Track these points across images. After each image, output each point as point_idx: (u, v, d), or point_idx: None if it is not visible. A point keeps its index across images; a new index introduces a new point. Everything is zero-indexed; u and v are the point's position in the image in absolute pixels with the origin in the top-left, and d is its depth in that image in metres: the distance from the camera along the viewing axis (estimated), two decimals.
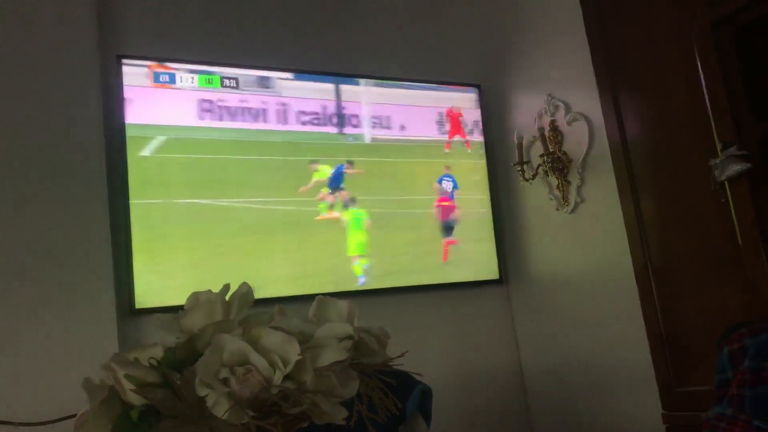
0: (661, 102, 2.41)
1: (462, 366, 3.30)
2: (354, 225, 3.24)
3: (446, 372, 3.22)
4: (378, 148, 3.42)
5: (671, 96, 2.37)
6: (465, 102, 3.68)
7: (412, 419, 1.77)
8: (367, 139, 3.42)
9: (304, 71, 3.28)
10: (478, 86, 3.65)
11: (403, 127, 3.51)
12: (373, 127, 3.45)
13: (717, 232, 2.20)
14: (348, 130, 3.37)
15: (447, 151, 3.58)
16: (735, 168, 2.10)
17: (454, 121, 3.65)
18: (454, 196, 3.55)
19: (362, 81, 3.43)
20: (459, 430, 3.18)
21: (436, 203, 3.52)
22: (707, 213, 2.24)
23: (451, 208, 3.56)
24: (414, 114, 3.55)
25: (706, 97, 2.20)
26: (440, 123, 3.60)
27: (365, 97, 3.45)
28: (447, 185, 3.56)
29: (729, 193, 2.14)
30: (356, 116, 3.40)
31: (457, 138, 3.63)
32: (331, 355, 0.84)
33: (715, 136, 2.17)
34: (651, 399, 2.47)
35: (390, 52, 3.55)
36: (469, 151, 3.63)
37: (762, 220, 2.07)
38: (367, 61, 3.47)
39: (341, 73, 3.35)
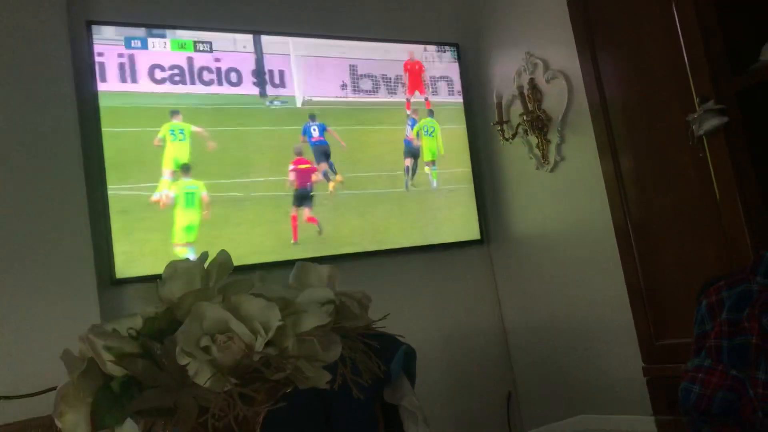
0: (639, 58, 2.40)
1: (445, 326, 3.33)
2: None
3: (430, 333, 3.25)
4: (315, 113, 3.18)
5: (649, 52, 2.36)
6: (431, 58, 3.54)
7: (396, 380, 1.78)
8: (298, 103, 3.18)
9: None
10: (456, 45, 3.62)
11: (344, 86, 3.28)
12: (306, 87, 3.16)
13: (695, 187, 2.22)
14: (271, 91, 3.11)
15: (408, 112, 3.42)
16: (712, 122, 2.10)
17: (413, 75, 3.45)
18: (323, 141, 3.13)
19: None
20: (443, 389, 3.23)
21: (291, 166, 3.06)
22: (685, 168, 2.25)
23: (310, 172, 3.12)
24: (366, 69, 3.35)
25: (684, 52, 2.19)
26: (394, 82, 3.40)
27: (295, 51, 3.18)
28: (313, 132, 3.14)
29: (707, 148, 2.14)
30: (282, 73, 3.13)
31: (416, 97, 3.45)
32: (312, 320, 0.83)
33: (693, 91, 2.17)
34: (631, 353, 2.51)
35: (357, 8, 3.47)
36: (429, 109, 3.47)
37: (739, 173, 2.08)
38: (336, 17, 3.39)
39: (290, 32, 3.21)
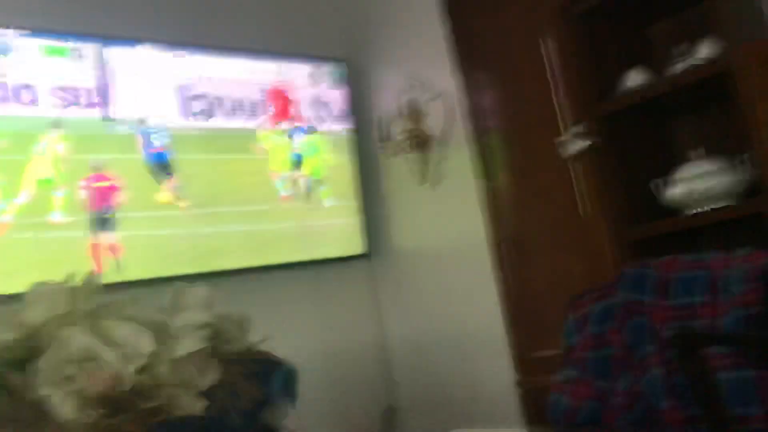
0: (514, 81, 2.51)
1: (328, 343, 3.32)
2: None
3: (313, 351, 3.22)
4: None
5: (523, 76, 2.47)
6: (299, 77, 3.41)
7: (277, 403, 1.75)
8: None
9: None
10: (341, 60, 3.63)
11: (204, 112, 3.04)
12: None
13: (565, 205, 2.34)
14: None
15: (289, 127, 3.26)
16: (579, 145, 2.23)
17: (281, 102, 3.28)
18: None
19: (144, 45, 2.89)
20: (325, 407, 3.20)
21: (82, 182, 2.62)
22: (556, 187, 2.37)
23: (110, 191, 2.69)
24: (225, 90, 3.13)
25: (555, 78, 2.32)
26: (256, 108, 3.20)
27: (147, 66, 2.90)
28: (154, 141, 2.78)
29: (574, 169, 2.27)
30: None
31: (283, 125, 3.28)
32: (188, 345, 0.81)
33: (562, 115, 2.30)
34: (507, 365, 2.60)
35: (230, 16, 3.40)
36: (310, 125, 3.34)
37: (604, 193, 2.22)
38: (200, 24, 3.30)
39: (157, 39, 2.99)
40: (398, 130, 3.32)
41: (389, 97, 3.42)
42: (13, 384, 0.73)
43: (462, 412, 3.10)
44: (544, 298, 2.41)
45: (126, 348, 0.76)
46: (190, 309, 0.88)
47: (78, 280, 0.90)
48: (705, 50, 2.08)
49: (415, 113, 3.28)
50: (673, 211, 2.17)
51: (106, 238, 2.65)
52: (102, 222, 2.64)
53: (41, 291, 0.86)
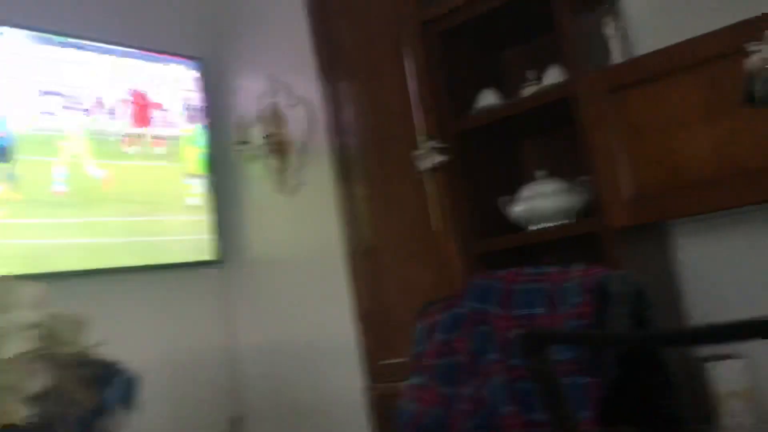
0: (374, 93, 2.55)
1: (175, 350, 3.19)
2: None
3: (158, 357, 3.09)
4: None
5: (383, 88, 2.52)
6: (158, 77, 3.32)
7: (113, 411, 1.65)
8: None
9: None
10: (199, 59, 3.52)
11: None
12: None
13: (418, 217, 2.40)
14: None
15: (128, 150, 3.12)
16: (434, 159, 2.30)
17: (140, 108, 3.19)
18: None
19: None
20: (169, 417, 3.07)
21: None
22: (410, 199, 2.43)
23: None
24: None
25: (413, 93, 2.38)
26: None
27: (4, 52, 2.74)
28: None
29: (428, 182, 2.34)
30: None
31: (143, 131, 3.18)
32: (14, 346, 0.74)
33: (419, 129, 2.36)
34: (355, 373, 2.62)
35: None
36: (159, 150, 3.23)
37: (454, 206, 2.30)
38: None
39: None
40: (257, 134, 3.27)
41: (249, 100, 3.37)
42: None
43: (311, 421, 3.09)
44: (396, 307, 2.46)
45: None
46: (18, 307, 0.81)
47: None
48: (553, 76, 2.22)
49: (275, 118, 3.25)
50: (517, 227, 2.29)
51: None
52: None
53: None
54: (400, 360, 2.31)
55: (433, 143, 2.31)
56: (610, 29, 2.12)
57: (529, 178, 2.36)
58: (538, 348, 0.78)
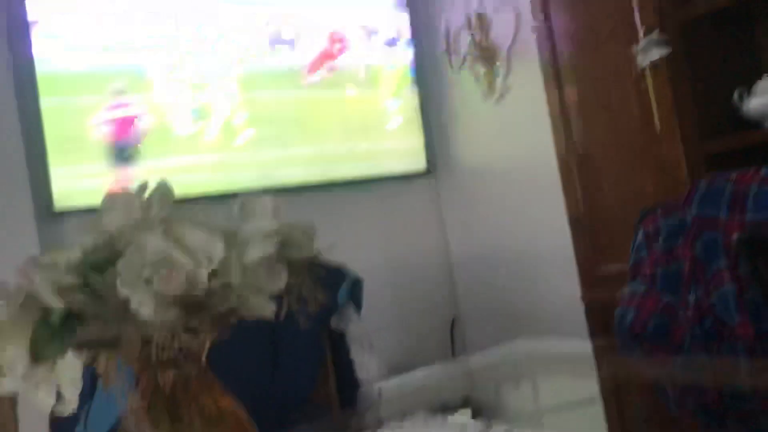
0: None
1: (392, 256, 3.37)
2: None
3: (377, 263, 3.28)
4: None
5: None
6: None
7: (343, 309, 1.81)
8: None
9: None
10: None
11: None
12: None
13: (637, 118, 2.26)
14: None
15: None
16: (656, 53, 2.12)
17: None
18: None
19: None
20: (390, 317, 3.29)
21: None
22: (629, 99, 2.28)
23: (127, 123, 2.55)
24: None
25: None
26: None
27: None
28: None
29: (650, 79, 2.17)
30: None
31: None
32: (256, 251, 0.83)
33: (638, 21, 2.18)
34: (572, 279, 2.59)
35: None
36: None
37: (679, 105, 2.12)
38: None
39: None
40: (464, 41, 3.23)
41: (456, 8, 3.31)
42: (97, 286, 0.77)
43: (526, 324, 3.13)
44: (613, 213, 2.37)
45: (199, 253, 0.79)
46: (258, 217, 0.90)
47: (150, 189, 0.92)
48: None
49: (482, 24, 3.18)
50: (753, 123, 2.06)
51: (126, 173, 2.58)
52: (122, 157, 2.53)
53: (116, 198, 0.89)
54: (618, 267, 2.24)
55: (653, 36, 2.13)
56: None
57: (766, 70, 2.10)
58: (761, 250, 0.71)
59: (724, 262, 1.47)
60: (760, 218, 1.47)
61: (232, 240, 0.85)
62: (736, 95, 2.10)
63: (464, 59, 3.22)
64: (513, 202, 3.17)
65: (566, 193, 2.52)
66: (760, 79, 2.05)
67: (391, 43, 3.48)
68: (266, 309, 0.83)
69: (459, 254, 3.53)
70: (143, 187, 0.90)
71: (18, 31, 2.57)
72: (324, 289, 1.01)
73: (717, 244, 1.53)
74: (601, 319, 2.34)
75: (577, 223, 2.49)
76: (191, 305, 0.79)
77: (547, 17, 2.52)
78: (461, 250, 3.51)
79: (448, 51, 3.21)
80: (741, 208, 1.49)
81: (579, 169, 2.48)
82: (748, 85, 2.08)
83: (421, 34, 3.54)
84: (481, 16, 3.17)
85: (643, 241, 1.64)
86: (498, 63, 3.15)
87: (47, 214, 2.56)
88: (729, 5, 2.03)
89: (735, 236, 1.42)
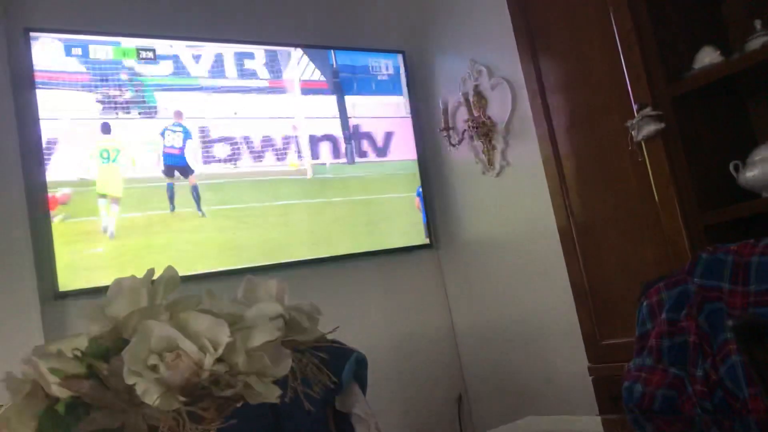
0: (579, 65, 2.46)
1: (396, 332, 3.35)
2: None
3: (381, 339, 3.26)
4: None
5: (589, 59, 2.42)
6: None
7: (348, 389, 1.79)
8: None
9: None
10: (402, 52, 3.64)
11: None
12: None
13: (635, 191, 2.29)
14: None
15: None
16: (650, 128, 2.17)
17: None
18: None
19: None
20: (395, 395, 3.24)
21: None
22: (626, 172, 2.31)
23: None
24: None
25: (622, 59, 2.26)
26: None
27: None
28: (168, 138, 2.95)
29: (645, 153, 2.21)
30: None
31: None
32: (262, 336, 0.83)
33: (631, 97, 2.24)
34: (577, 352, 2.57)
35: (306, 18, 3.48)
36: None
37: (676, 177, 2.16)
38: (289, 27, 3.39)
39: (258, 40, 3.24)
40: (462, 118, 3.31)
41: (453, 86, 3.41)
42: (103, 374, 0.78)
43: (533, 400, 3.08)
44: (616, 285, 2.37)
45: (204, 339, 0.80)
46: (263, 300, 0.91)
47: (157, 275, 0.94)
48: None
49: (478, 100, 3.26)
50: (749, 194, 2.09)
51: None
52: None
53: (123, 285, 0.90)
54: (623, 340, 2.22)
55: (647, 111, 2.18)
56: None
57: (759, 141, 2.14)
58: (758, 338, 0.71)
59: (730, 333, 1.47)
60: (763, 289, 1.48)
61: (237, 324, 0.86)
62: (731, 167, 2.13)
63: (463, 136, 3.29)
64: (516, 275, 3.17)
65: (568, 265, 2.53)
66: (753, 150, 2.08)
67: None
68: (271, 394, 0.83)
69: (463, 328, 3.50)
70: (149, 274, 0.91)
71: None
72: (328, 371, 1.01)
73: (721, 315, 1.53)
74: (609, 393, 2.30)
75: (580, 295, 2.49)
76: (196, 392, 0.79)
77: (542, 93, 2.59)
78: (465, 324, 3.49)
79: (446, 128, 3.28)
80: (744, 279, 1.49)
81: (580, 241, 2.49)
82: (742, 156, 2.11)
83: (421, 113, 3.63)
84: (478, 94, 3.26)
85: (648, 313, 1.64)
86: (496, 138, 3.21)
87: (52, 296, 2.57)
88: (718, 80, 2.09)
89: (730, 323, 1.42)
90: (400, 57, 3.64)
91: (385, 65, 3.59)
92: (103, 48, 2.85)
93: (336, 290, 3.14)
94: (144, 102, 2.91)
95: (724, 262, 1.56)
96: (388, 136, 3.54)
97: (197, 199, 2.97)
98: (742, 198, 2.10)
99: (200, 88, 3.06)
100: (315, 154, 3.33)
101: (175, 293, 0.93)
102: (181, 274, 0.95)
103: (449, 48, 3.46)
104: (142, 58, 2.93)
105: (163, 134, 2.96)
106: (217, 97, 3.10)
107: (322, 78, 3.48)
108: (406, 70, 3.63)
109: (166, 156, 2.95)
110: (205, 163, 3.02)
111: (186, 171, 2.99)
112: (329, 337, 1.10)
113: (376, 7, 3.68)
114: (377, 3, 3.69)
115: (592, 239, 2.45)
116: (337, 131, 3.42)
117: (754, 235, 1.63)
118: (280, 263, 3.02)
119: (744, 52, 2.08)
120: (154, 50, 2.96)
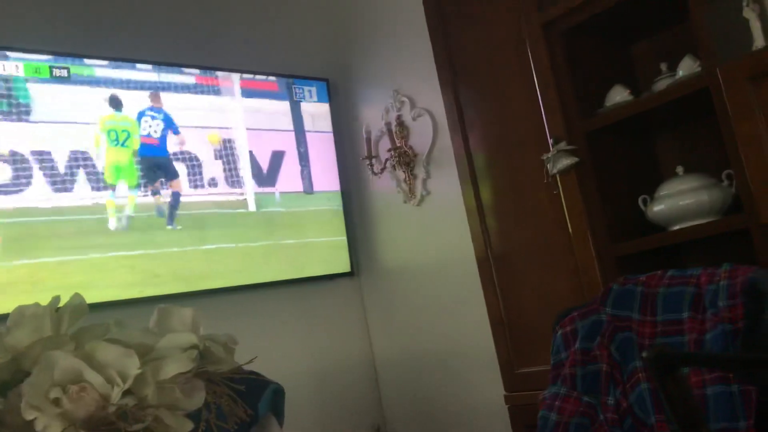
0: (498, 100, 2.53)
1: (316, 361, 3.30)
2: None
3: (300, 369, 3.21)
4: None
5: (508, 94, 2.49)
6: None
7: (264, 421, 1.74)
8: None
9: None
10: (326, 80, 3.65)
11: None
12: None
13: (551, 222, 2.35)
14: None
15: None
16: (565, 162, 2.25)
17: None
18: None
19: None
20: (313, 426, 3.19)
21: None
22: (541, 203, 2.38)
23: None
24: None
25: (539, 96, 2.34)
26: None
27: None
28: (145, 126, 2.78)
29: (560, 186, 2.28)
30: None
31: None
32: (174, 367, 0.80)
33: (547, 132, 2.31)
34: (495, 381, 2.60)
35: (237, 44, 3.45)
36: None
37: (589, 209, 2.23)
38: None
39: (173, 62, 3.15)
40: (384, 147, 3.34)
41: (376, 115, 3.44)
42: None
43: (452, 429, 3.09)
44: (531, 314, 2.42)
45: (112, 370, 0.76)
46: (176, 330, 0.88)
47: (62, 302, 0.89)
48: (687, 67, 2.11)
49: (401, 130, 3.30)
50: (657, 227, 2.19)
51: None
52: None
53: (25, 313, 0.85)
54: (539, 368, 2.27)
55: (562, 146, 2.26)
56: (749, 13, 1.98)
57: (666, 176, 2.25)
58: (668, 370, 0.74)
59: (639, 361, 1.52)
60: (669, 319, 1.54)
61: (147, 355, 0.82)
62: (640, 201, 2.23)
63: (385, 165, 3.32)
64: (435, 304, 3.20)
65: (486, 294, 2.57)
66: (661, 184, 2.18)
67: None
68: (183, 427, 0.80)
69: (383, 358, 3.49)
70: (55, 302, 0.87)
71: None
72: (243, 403, 0.98)
73: (631, 344, 1.58)
74: (525, 421, 2.34)
75: (497, 325, 2.53)
76: (102, 426, 0.75)
77: (462, 125, 2.64)
78: (385, 353, 3.48)
79: (369, 157, 3.30)
80: (651, 309, 1.55)
81: (497, 270, 2.54)
82: (651, 190, 2.21)
83: (344, 138, 3.64)
84: (400, 124, 3.30)
85: (562, 342, 1.68)
86: (417, 168, 3.25)
87: None
88: (627, 118, 2.19)
89: (643, 354, 1.47)
90: (324, 84, 3.64)
91: (309, 92, 3.59)
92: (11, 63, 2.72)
93: (256, 319, 3.08)
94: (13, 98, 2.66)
95: (633, 293, 1.62)
96: (313, 164, 3.53)
97: (172, 209, 2.76)
98: (652, 230, 2.20)
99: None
100: (261, 179, 3.27)
101: (82, 322, 0.88)
102: (89, 301, 0.90)
103: (373, 78, 3.49)
104: (56, 77, 2.82)
105: (139, 120, 2.73)
106: (128, 94, 2.93)
107: (272, 78, 3.38)
108: (330, 98, 3.64)
109: (143, 147, 2.72)
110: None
111: (168, 170, 2.76)
112: (247, 367, 1.07)
113: (301, 35, 3.68)
114: (303, 31, 3.69)
115: (509, 269, 2.50)
116: (290, 147, 3.33)
117: (663, 266, 1.71)
118: (198, 291, 2.94)
119: (652, 92, 2.19)
120: (68, 68, 2.86)
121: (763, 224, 1.83)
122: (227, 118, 3.26)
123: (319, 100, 3.62)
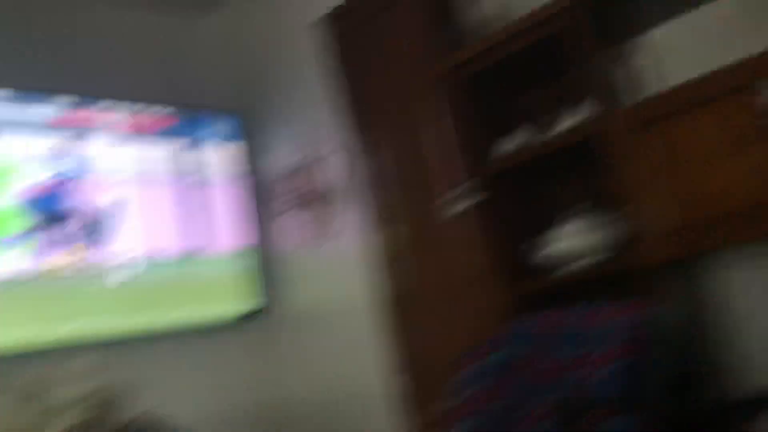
0: (408, 141, 2.57)
1: (223, 404, 3.21)
2: None
3: (206, 413, 3.10)
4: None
5: (418, 135, 2.53)
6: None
7: None
8: None
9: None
10: (237, 115, 3.61)
11: None
12: None
13: (454, 262, 2.40)
14: None
15: None
16: (466, 203, 2.31)
17: None
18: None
19: None
20: None
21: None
22: (447, 244, 2.43)
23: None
24: None
25: (445, 139, 2.40)
26: None
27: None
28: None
29: (462, 226, 2.34)
30: None
31: None
32: (67, 418, 0.77)
33: (451, 174, 2.38)
34: (400, 422, 2.60)
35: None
36: None
37: (490, 250, 2.29)
38: None
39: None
40: (295, 185, 3.32)
41: (285, 154, 3.43)
42: None
43: None
44: (435, 354, 2.44)
45: (1, 425, 0.73)
46: (68, 382, 0.85)
47: None
48: (580, 114, 2.20)
49: (311, 169, 3.30)
50: (548, 268, 2.26)
51: None
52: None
53: None
54: (444, 407, 2.29)
55: (465, 186, 2.32)
56: (638, 62, 2.11)
57: (562, 217, 2.34)
58: (574, 416, 0.78)
59: (537, 400, 1.57)
60: (564, 356, 1.61)
61: (41, 407, 0.79)
62: (524, 245, 2.29)
63: (291, 205, 3.30)
64: (339, 343, 3.17)
65: (391, 334, 2.58)
66: (553, 226, 2.27)
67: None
68: None
69: (290, 399, 3.43)
70: None
71: None
72: None
73: (530, 382, 1.63)
74: None
75: (402, 364, 2.54)
76: None
77: (371, 163, 2.67)
78: (293, 394, 3.42)
79: (275, 197, 3.28)
80: (547, 348, 1.62)
81: (403, 310, 2.56)
82: (544, 231, 2.29)
83: (254, 178, 3.59)
84: (312, 162, 3.29)
85: (465, 381, 1.72)
86: (328, 207, 3.25)
87: None
88: (526, 163, 2.27)
89: (550, 402, 1.52)
90: (234, 120, 3.60)
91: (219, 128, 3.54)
92: None
93: (162, 364, 2.97)
94: None
95: (529, 333, 1.69)
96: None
97: None
98: (542, 272, 2.27)
99: None
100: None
101: None
102: None
103: (286, 117, 3.48)
104: None
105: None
106: None
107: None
108: (241, 134, 3.60)
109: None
110: None
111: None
112: (148, 414, 1.04)
113: (212, 70, 3.65)
114: (214, 66, 3.66)
115: (415, 309, 2.53)
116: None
117: (560, 303, 1.78)
118: (97, 338, 2.80)
119: (546, 137, 2.29)
120: None
121: (645, 265, 1.91)
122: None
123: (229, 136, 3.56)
